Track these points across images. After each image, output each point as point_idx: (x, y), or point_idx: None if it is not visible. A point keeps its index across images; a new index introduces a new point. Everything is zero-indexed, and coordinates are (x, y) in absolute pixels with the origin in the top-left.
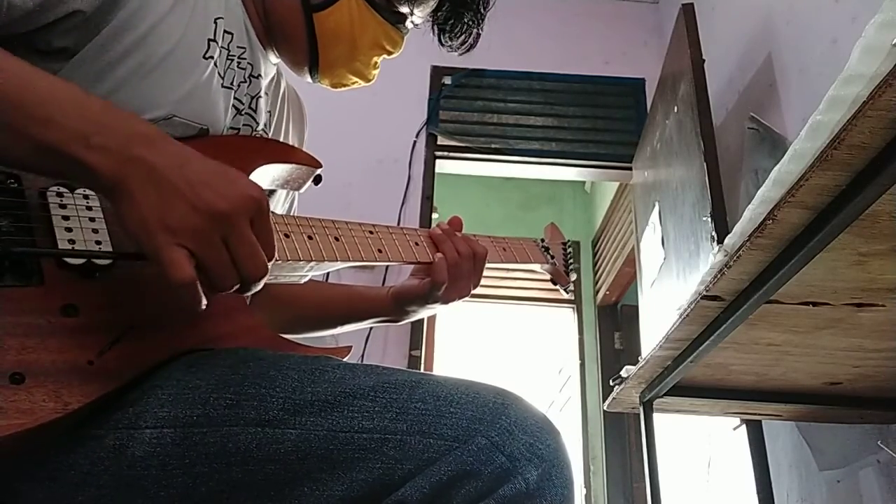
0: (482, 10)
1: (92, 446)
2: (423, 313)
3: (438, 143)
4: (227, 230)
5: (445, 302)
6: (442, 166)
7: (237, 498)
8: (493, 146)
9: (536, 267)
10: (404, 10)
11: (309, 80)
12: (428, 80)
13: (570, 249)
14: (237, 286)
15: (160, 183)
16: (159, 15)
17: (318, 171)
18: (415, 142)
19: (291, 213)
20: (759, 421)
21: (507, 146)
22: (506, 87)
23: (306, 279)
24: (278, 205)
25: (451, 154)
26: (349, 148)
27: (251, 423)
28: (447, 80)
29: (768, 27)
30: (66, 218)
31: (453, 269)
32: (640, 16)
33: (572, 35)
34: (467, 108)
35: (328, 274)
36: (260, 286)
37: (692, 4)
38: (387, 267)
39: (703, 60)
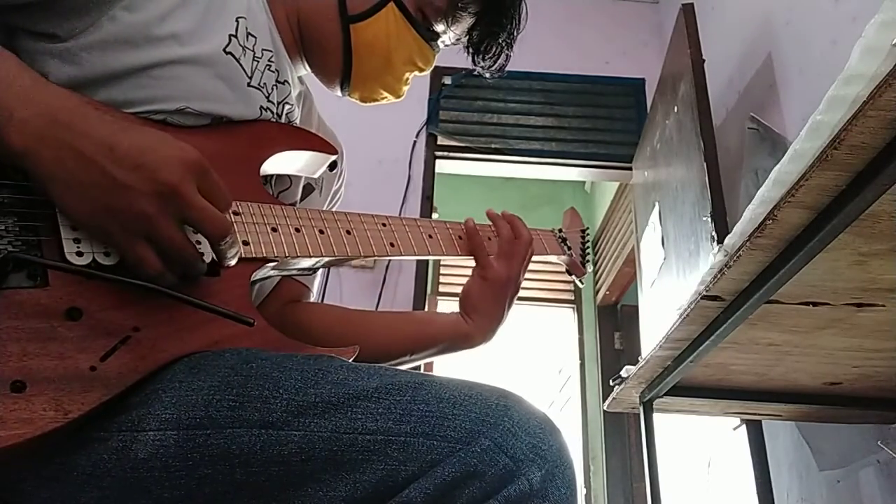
0: (515, 32)
1: (95, 448)
2: (495, 309)
3: (438, 143)
4: (176, 206)
5: (502, 274)
6: (442, 166)
7: (241, 499)
8: (493, 146)
9: (553, 258)
10: (440, 27)
11: (339, 93)
12: (428, 80)
13: (587, 237)
14: (201, 259)
15: (95, 174)
16: (166, 7)
17: (334, 158)
18: (415, 142)
19: (332, 207)
20: (759, 421)
21: (507, 146)
22: (506, 87)
23: (315, 272)
24: (296, 195)
25: (451, 154)
26: (349, 148)
27: (254, 425)
28: (447, 80)
29: (768, 27)
30: (65, 216)
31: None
32: (640, 16)
33: (572, 35)
34: (467, 108)
35: (328, 274)
36: (230, 244)
37: (692, 4)
38: (387, 267)
39: (703, 60)
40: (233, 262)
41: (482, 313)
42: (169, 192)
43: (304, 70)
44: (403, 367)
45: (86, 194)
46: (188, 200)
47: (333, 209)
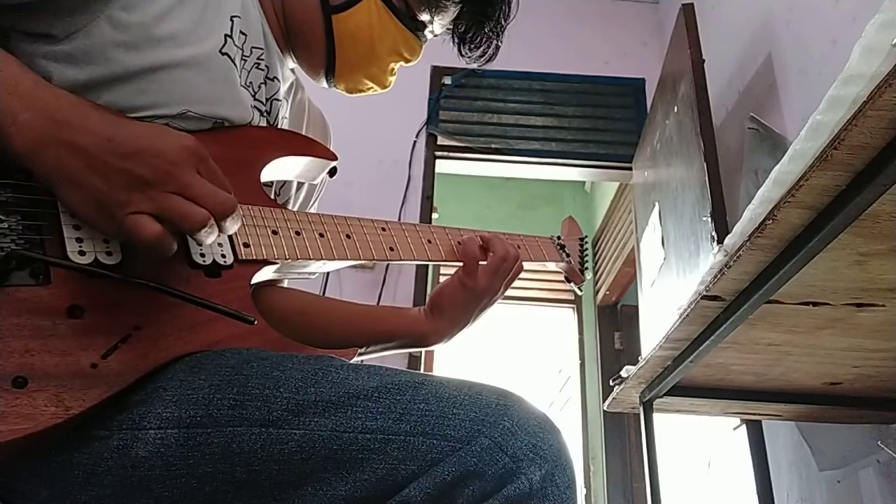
0: (503, 22)
1: (96, 447)
2: (461, 316)
3: (438, 143)
4: (177, 184)
5: (482, 286)
6: (442, 166)
7: (241, 498)
8: (493, 146)
9: (551, 265)
10: (424, 17)
11: (325, 84)
12: (428, 80)
13: (586, 245)
14: (213, 225)
15: (96, 164)
16: (163, 7)
17: (334, 164)
18: (415, 142)
19: (312, 209)
20: (759, 421)
21: (507, 146)
22: (506, 87)
23: (316, 276)
24: (297, 200)
25: (451, 154)
26: (349, 148)
27: (255, 424)
28: (447, 80)
29: (768, 27)
30: (74, 215)
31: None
32: (640, 16)
33: (572, 35)
34: (467, 108)
35: (328, 273)
36: (233, 222)
37: (692, 4)
38: (387, 267)
39: (703, 60)
40: (233, 230)
41: (447, 317)
42: (168, 173)
43: (292, 63)
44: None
45: (86, 186)
46: (188, 179)
47: (320, 195)
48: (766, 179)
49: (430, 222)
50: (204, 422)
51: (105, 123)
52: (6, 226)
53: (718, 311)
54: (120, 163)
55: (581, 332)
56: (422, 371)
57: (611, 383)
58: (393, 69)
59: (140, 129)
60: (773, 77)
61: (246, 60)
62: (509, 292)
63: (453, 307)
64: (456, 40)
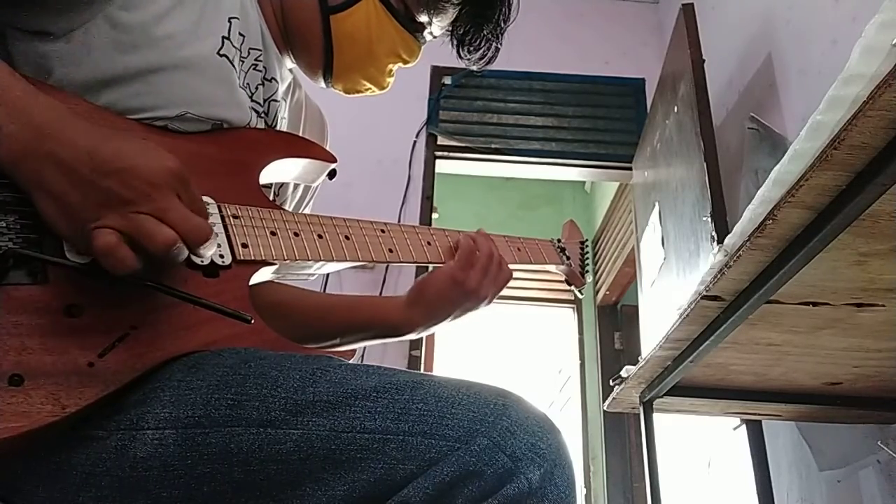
0: (502, 24)
1: (94, 447)
2: (442, 309)
3: (438, 143)
4: (151, 206)
5: (472, 285)
6: (442, 166)
7: (239, 498)
8: (493, 146)
9: (552, 268)
10: (423, 19)
11: (323, 84)
12: (428, 80)
13: (587, 249)
14: (180, 248)
15: (74, 180)
16: (163, 7)
17: (333, 166)
18: (415, 142)
19: (306, 209)
20: (759, 421)
21: (507, 146)
22: (506, 87)
23: (314, 277)
24: (293, 200)
25: (451, 154)
26: (349, 148)
27: (253, 424)
28: (447, 80)
29: (768, 27)
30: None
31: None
32: (640, 16)
33: (572, 35)
34: (467, 108)
35: (328, 274)
36: (207, 250)
37: (692, 4)
38: (387, 267)
39: (703, 60)
40: (206, 261)
41: (428, 310)
42: (145, 195)
43: (290, 63)
44: (332, 349)
45: (62, 200)
46: (164, 203)
47: (315, 195)
48: (766, 179)
49: (430, 222)
50: (202, 422)
51: (90, 137)
52: (4, 224)
53: (718, 311)
54: (100, 180)
55: (581, 332)
56: (421, 371)
57: (611, 383)
58: (391, 70)
59: (125, 146)
60: (773, 77)
61: (244, 61)
62: (510, 292)
63: (439, 301)
64: (455, 42)
